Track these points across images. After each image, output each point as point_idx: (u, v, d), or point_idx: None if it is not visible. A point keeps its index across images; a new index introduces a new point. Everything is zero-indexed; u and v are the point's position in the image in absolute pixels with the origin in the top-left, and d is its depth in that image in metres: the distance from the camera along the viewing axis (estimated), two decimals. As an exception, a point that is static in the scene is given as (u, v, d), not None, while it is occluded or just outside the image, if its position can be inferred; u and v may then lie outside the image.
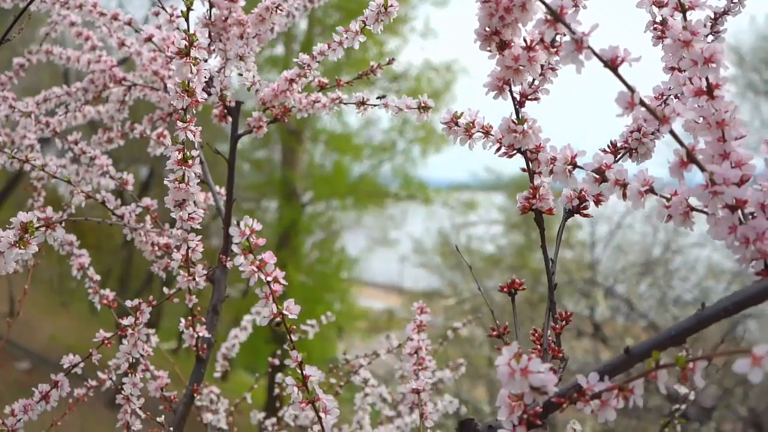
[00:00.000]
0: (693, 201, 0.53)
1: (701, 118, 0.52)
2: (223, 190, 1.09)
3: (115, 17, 1.07)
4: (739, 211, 0.51)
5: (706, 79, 0.52)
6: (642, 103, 0.49)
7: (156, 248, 1.00)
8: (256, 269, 0.60)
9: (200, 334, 0.94)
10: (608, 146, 0.67)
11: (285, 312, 0.61)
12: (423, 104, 0.82)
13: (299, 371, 0.63)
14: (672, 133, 0.50)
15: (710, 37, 0.69)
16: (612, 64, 0.49)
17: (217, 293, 0.99)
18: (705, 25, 0.66)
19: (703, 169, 0.49)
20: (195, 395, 0.96)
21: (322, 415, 0.63)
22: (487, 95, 0.58)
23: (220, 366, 1.38)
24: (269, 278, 0.60)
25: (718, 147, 0.52)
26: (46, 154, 1.29)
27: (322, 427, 0.63)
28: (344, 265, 11.95)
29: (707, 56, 0.51)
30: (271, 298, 0.61)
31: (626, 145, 0.66)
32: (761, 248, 0.49)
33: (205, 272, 0.88)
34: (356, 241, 13.29)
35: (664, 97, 0.67)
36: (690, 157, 0.50)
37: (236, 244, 0.59)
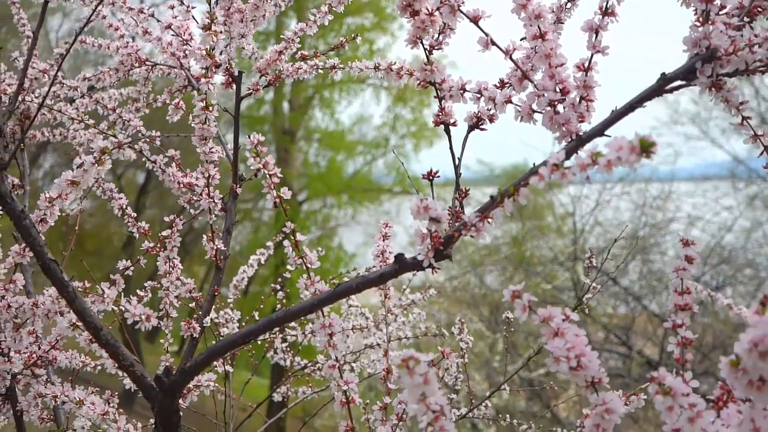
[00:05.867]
0: (534, 106, 0.84)
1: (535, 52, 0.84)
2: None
3: (141, 11, 1.37)
4: (561, 107, 0.82)
5: (539, 26, 0.83)
6: (492, 42, 0.80)
7: (180, 185, 1.30)
8: (262, 166, 0.91)
9: (218, 247, 1.25)
10: (498, 81, 0.97)
11: (281, 195, 0.92)
12: (377, 65, 1.12)
13: (293, 237, 0.94)
14: (512, 60, 0.81)
15: (569, 4, 1.00)
16: (475, 19, 0.80)
17: (229, 218, 1.30)
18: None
19: (532, 82, 0.81)
20: (216, 294, 1.27)
21: (308, 264, 0.94)
22: (406, 47, 0.89)
23: (232, 294, 1.68)
24: (271, 173, 0.91)
25: (549, 70, 0.83)
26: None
27: (309, 275, 0.94)
28: (342, 262, 12.22)
29: (536, 13, 0.82)
30: (272, 185, 0.92)
31: (509, 81, 0.97)
32: (568, 129, 0.80)
33: (221, 196, 1.19)
34: (353, 237, 13.56)
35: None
36: (524, 75, 0.81)
37: (248, 150, 0.90)
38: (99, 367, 1.30)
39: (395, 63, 1.02)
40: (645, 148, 0.57)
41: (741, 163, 10.57)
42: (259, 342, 1.64)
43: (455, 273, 8.86)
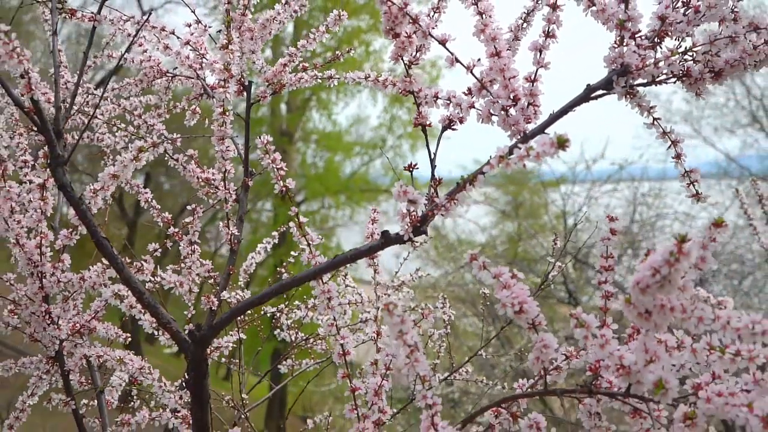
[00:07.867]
0: (491, 110, 1.05)
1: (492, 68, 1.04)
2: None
3: (163, 29, 1.58)
4: (512, 111, 1.02)
5: (494, 46, 1.03)
6: (456, 60, 1.00)
7: (199, 180, 1.51)
8: (271, 162, 1.11)
9: (233, 232, 1.45)
10: (466, 89, 1.18)
11: (287, 185, 1.13)
12: (367, 76, 1.33)
13: (297, 219, 1.15)
14: (473, 74, 1.01)
15: (525, 24, 1.20)
16: (442, 42, 1.01)
17: (241, 207, 1.50)
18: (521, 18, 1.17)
19: (488, 91, 1.01)
20: (230, 273, 1.47)
21: (310, 241, 1.14)
22: (390, 61, 1.09)
23: (242, 278, 1.88)
24: (278, 167, 1.12)
25: (503, 81, 1.04)
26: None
27: (311, 250, 1.14)
28: (340, 262, 12.38)
29: (492, 36, 1.02)
30: (279, 177, 1.12)
31: (473, 89, 1.17)
32: (517, 128, 1.00)
33: (235, 187, 1.39)
34: (351, 237, 13.73)
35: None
36: (482, 86, 1.02)
37: (258, 148, 1.10)
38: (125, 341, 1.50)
39: (380, 75, 1.23)
40: (561, 143, 0.78)
41: (732, 161, 10.77)
42: (268, 314, 1.84)
43: (450, 269, 9.08)
